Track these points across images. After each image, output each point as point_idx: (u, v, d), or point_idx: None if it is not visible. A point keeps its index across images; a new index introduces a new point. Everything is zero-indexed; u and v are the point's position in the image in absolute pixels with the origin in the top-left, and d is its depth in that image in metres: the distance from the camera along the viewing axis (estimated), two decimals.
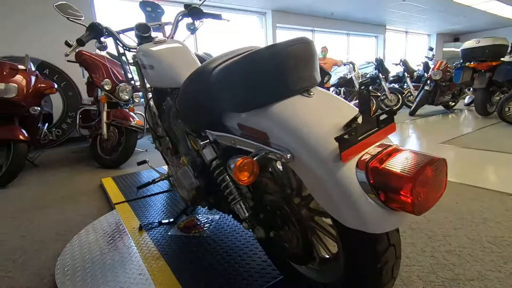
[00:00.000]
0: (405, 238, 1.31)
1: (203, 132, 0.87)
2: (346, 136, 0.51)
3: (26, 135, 2.50)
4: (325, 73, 4.70)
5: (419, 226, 1.41)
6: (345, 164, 0.53)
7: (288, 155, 0.57)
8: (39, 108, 2.67)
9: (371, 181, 0.50)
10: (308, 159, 0.54)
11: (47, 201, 2.06)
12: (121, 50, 1.44)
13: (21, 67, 2.65)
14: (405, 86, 6.59)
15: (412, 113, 5.44)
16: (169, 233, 1.33)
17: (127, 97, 3.06)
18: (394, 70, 7.25)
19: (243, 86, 0.63)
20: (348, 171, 0.52)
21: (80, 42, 1.26)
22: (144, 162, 1.81)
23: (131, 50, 1.42)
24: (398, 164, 0.49)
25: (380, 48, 9.16)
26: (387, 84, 6.64)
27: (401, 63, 6.54)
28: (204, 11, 1.51)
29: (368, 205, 0.51)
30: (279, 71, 0.60)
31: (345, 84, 5.63)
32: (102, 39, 1.35)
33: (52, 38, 4.06)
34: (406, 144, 3.34)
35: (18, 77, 2.55)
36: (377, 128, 0.56)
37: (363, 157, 0.53)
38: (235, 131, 0.75)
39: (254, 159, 0.59)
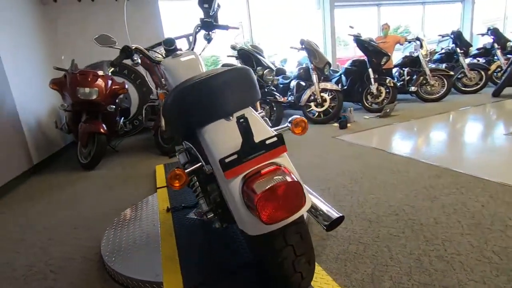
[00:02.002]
0: (400, 239, 1.31)
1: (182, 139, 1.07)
2: (227, 160, 0.64)
3: (106, 128, 3.15)
4: (382, 55, 4.35)
5: (422, 228, 1.37)
6: (230, 180, 0.66)
7: (209, 168, 0.72)
8: (114, 106, 3.29)
9: (244, 195, 0.62)
10: (216, 173, 0.68)
11: (117, 181, 2.62)
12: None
13: (100, 73, 3.29)
14: (495, 60, 5.52)
15: (495, 94, 4.60)
16: (187, 216, 1.62)
17: None
18: (482, 41, 6.12)
19: (183, 110, 0.79)
20: (233, 186, 0.65)
21: (113, 64, 1.59)
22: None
23: (157, 63, 1.70)
24: (260, 182, 0.60)
25: (467, 15, 7.73)
26: (470, 59, 5.68)
27: (489, 33, 5.47)
28: (214, 23, 1.68)
29: (246, 213, 0.63)
30: (206, 100, 0.74)
31: (410, 64, 5.07)
32: (134, 57, 1.66)
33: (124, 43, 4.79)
34: (469, 135, 2.96)
35: (99, 82, 3.19)
36: (264, 151, 0.67)
37: (247, 175, 0.65)
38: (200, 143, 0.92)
39: (186, 170, 0.76)
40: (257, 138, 0.66)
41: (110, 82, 3.36)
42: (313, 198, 1.01)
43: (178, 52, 1.62)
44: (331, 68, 5.23)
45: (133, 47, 1.64)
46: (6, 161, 2.74)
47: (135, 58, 1.68)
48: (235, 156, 0.64)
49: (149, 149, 3.78)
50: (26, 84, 3.41)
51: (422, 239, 1.29)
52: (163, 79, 1.77)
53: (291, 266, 0.72)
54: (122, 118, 3.98)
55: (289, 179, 0.59)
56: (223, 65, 5.25)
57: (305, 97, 4.23)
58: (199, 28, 1.73)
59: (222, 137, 0.73)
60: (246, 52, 3.76)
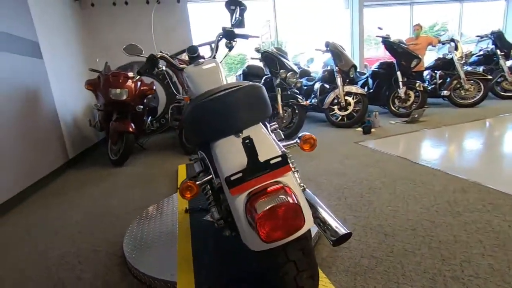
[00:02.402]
0: (415, 256, 1.27)
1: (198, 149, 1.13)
2: (232, 178, 0.67)
3: (134, 127, 3.32)
4: (412, 57, 4.18)
5: (440, 245, 1.32)
6: (235, 196, 0.69)
7: (218, 182, 0.76)
8: (142, 106, 3.46)
9: (247, 212, 0.65)
10: (224, 188, 0.72)
11: (143, 179, 2.77)
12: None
13: (130, 74, 3.47)
14: None
15: None
16: (204, 218, 1.68)
17: None
18: None
19: (197, 123, 0.84)
20: (238, 202, 0.68)
21: (139, 73, 1.69)
22: None
23: (181, 70, 1.77)
24: (262, 202, 0.62)
25: (511, 14, 7.17)
26: None
27: None
28: (235, 33, 1.73)
29: (248, 229, 0.66)
30: (218, 117, 0.78)
31: (443, 66, 4.81)
32: (159, 65, 1.75)
33: (149, 46, 5.00)
34: (506, 146, 2.77)
35: (129, 83, 3.37)
36: (268, 170, 0.69)
37: (251, 192, 0.67)
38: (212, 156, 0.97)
39: (197, 182, 0.81)
40: (262, 157, 0.69)
41: (139, 83, 3.53)
42: (322, 212, 1.02)
43: (200, 60, 1.68)
44: (358, 70, 5.10)
45: (158, 55, 1.72)
46: (46, 155, 2.99)
47: (160, 66, 1.77)
48: (240, 175, 0.68)
49: (174, 148, 3.92)
50: (65, 84, 3.69)
51: (438, 258, 1.25)
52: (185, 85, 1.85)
53: (293, 281, 0.74)
54: (150, 117, 4.16)
55: (290, 200, 0.61)
56: (238, 77, 5.29)
57: (328, 100, 4.18)
58: (221, 36, 1.79)
59: (230, 153, 0.77)
60: (269, 54, 3.77)
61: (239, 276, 1.10)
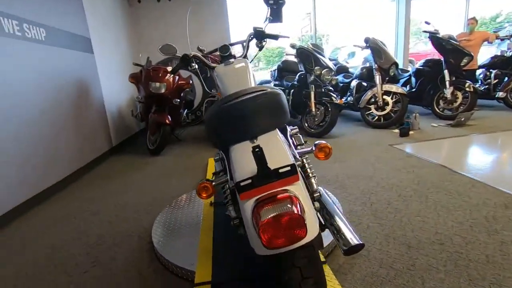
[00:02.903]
0: (439, 272, 1.21)
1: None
2: (242, 184, 0.70)
3: (170, 119, 3.51)
4: (463, 54, 3.83)
5: (469, 264, 1.24)
6: (245, 201, 0.72)
7: (231, 184, 0.80)
8: (179, 100, 3.64)
9: (253, 217, 0.67)
10: (236, 191, 0.76)
11: (176, 169, 2.93)
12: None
13: (169, 69, 3.65)
14: None
15: None
16: (226, 212, 1.75)
17: None
18: None
19: (217, 126, 0.88)
20: (247, 206, 0.71)
21: (172, 71, 1.78)
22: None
23: (212, 68, 1.84)
24: (267, 209, 0.65)
25: None
26: None
27: None
28: (266, 33, 1.74)
29: (254, 234, 0.69)
30: (235, 122, 0.82)
31: (500, 65, 4.35)
32: (192, 64, 1.83)
33: (190, 41, 5.17)
34: None
35: (167, 78, 3.55)
36: (276, 179, 0.71)
37: (259, 198, 0.70)
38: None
39: (213, 183, 0.85)
40: (272, 165, 0.72)
41: (177, 78, 3.71)
42: (337, 220, 1.02)
43: (231, 60, 1.73)
44: (401, 67, 4.81)
45: (191, 55, 1.80)
46: (94, 142, 3.30)
47: (193, 65, 1.85)
48: (249, 181, 0.71)
49: (207, 140, 4.07)
50: (112, 77, 3.99)
51: (465, 277, 1.17)
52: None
53: (297, 286, 0.77)
54: (186, 109, 4.35)
55: (294, 210, 0.63)
56: (261, 82, 5.25)
57: (365, 98, 4.01)
58: (251, 36, 1.81)
59: (244, 159, 0.80)
60: (305, 51, 3.71)
61: (252, 275, 1.15)
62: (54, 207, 2.28)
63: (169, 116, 3.53)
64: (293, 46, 3.78)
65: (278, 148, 0.81)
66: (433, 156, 2.66)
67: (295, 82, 4.08)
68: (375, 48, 3.93)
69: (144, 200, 2.24)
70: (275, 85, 4.77)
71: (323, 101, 3.67)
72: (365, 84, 4.22)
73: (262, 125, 0.84)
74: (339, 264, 1.32)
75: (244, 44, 1.93)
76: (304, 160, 0.94)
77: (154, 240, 1.56)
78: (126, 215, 2.02)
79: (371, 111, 4.01)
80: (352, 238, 0.93)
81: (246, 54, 1.86)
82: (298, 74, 4.05)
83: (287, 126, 1.23)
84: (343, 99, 4.20)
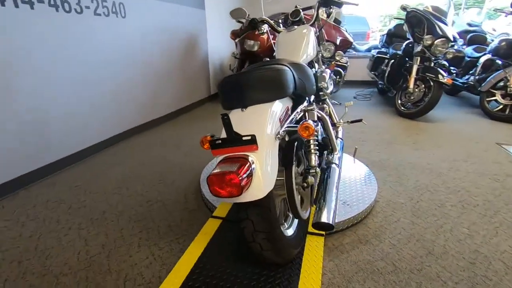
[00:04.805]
0: (445, 287, 1.11)
1: None
2: (215, 142, 0.84)
3: None
4: None
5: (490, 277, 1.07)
6: (216, 157, 0.87)
7: None
8: (268, 59, 3.79)
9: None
10: None
11: None
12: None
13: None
14: None
15: None
16: None
17: (329, 55, 3.54)
18: None
19: (221, 94, 1.01)
20: (216, 161, 0.86)
21: (238, 36, 1.92)
22: (359, 120, 1.91)
23: (278, 32, 1.89)
24: (220, 166, 0.78)
25: None
26: None
27: None
28: (332, 0, 1.64)
29: None
30: (233, 92, 0.94)
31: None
32: (262, 27, 1.91)
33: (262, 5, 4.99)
34: None
35: (262, 36, 3.71)
36: (239, 144, 0.81)
37: (227, 157, 0.83)
38: None
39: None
40: (242, 132, 0.83)
41: (271, 37, 3.82)
42: (327, 198, 1.06)
43: (295, 27, 1.74)
44: None
45: (260, 20, 1.89)
46: (196, 88, 3.93)
47: (262, 28, 1.94)
48: (219, 141, 0.85)
49: None
50: (217, 32, 4.44)
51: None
52: None
53: (250, 235, 0.91)
54: None
55: (237, 171, 0.75)
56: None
57: (490, 80, 3.19)
58: (318, 4, 1.76)
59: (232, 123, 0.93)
60: (418, 14, 3.13)
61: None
62: (149, 137, 2.98)
63: None
64: (404, 8, 3.25)
65: (257, 120, 0.89)
66: None
67: (399, 52, 3.57)
68: None
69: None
70: (379, 52, 4.27)
71: (427, 77, 3.13)
72: (499, 62, 3.30)
73: (255, 97, 0.93)
74: (342, 243, 1.35)
75: (314, 10, 1.87)
76: (305, 136, 0.97)
77: (202, 176, 1.92)
78: (199, 152, 2.47)
79: (494, 98, 3.19)
80: (326, 216, 0.98)
81: (313, 22, 1.82)
82: (406, 43, 3.51)
83: (306, 100, 1.24)
84: (458, 78, 3.45)
